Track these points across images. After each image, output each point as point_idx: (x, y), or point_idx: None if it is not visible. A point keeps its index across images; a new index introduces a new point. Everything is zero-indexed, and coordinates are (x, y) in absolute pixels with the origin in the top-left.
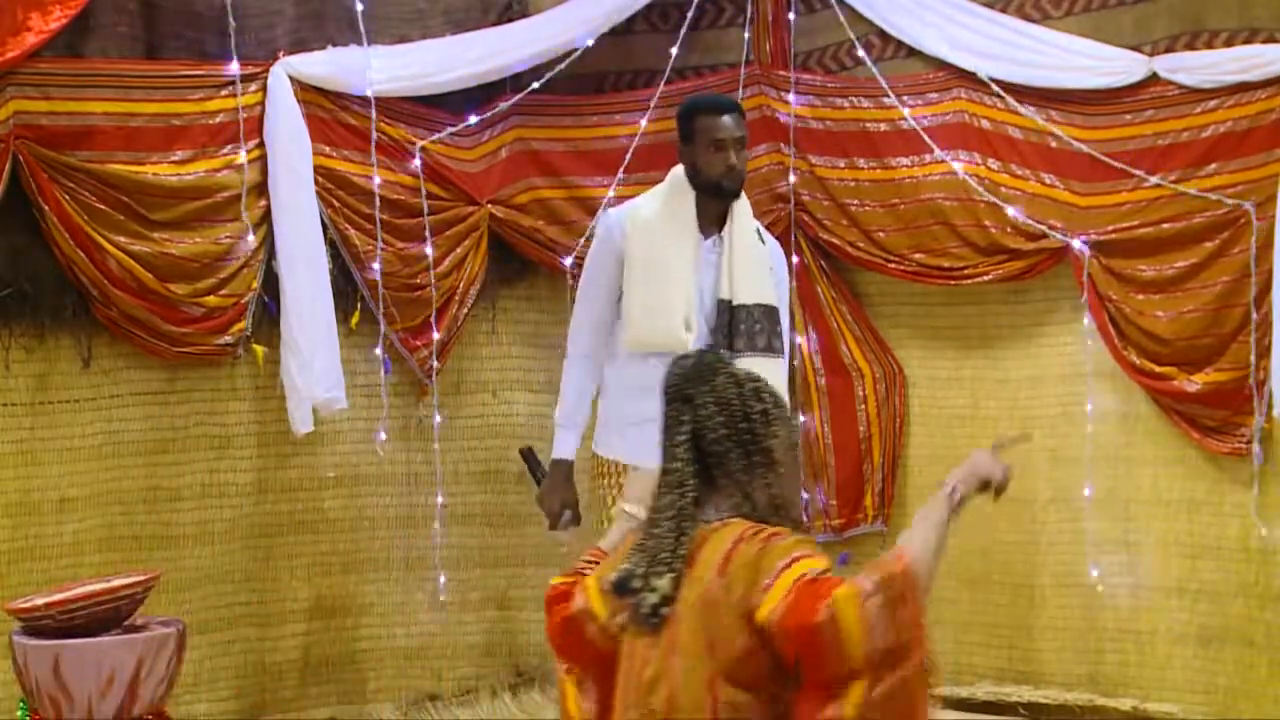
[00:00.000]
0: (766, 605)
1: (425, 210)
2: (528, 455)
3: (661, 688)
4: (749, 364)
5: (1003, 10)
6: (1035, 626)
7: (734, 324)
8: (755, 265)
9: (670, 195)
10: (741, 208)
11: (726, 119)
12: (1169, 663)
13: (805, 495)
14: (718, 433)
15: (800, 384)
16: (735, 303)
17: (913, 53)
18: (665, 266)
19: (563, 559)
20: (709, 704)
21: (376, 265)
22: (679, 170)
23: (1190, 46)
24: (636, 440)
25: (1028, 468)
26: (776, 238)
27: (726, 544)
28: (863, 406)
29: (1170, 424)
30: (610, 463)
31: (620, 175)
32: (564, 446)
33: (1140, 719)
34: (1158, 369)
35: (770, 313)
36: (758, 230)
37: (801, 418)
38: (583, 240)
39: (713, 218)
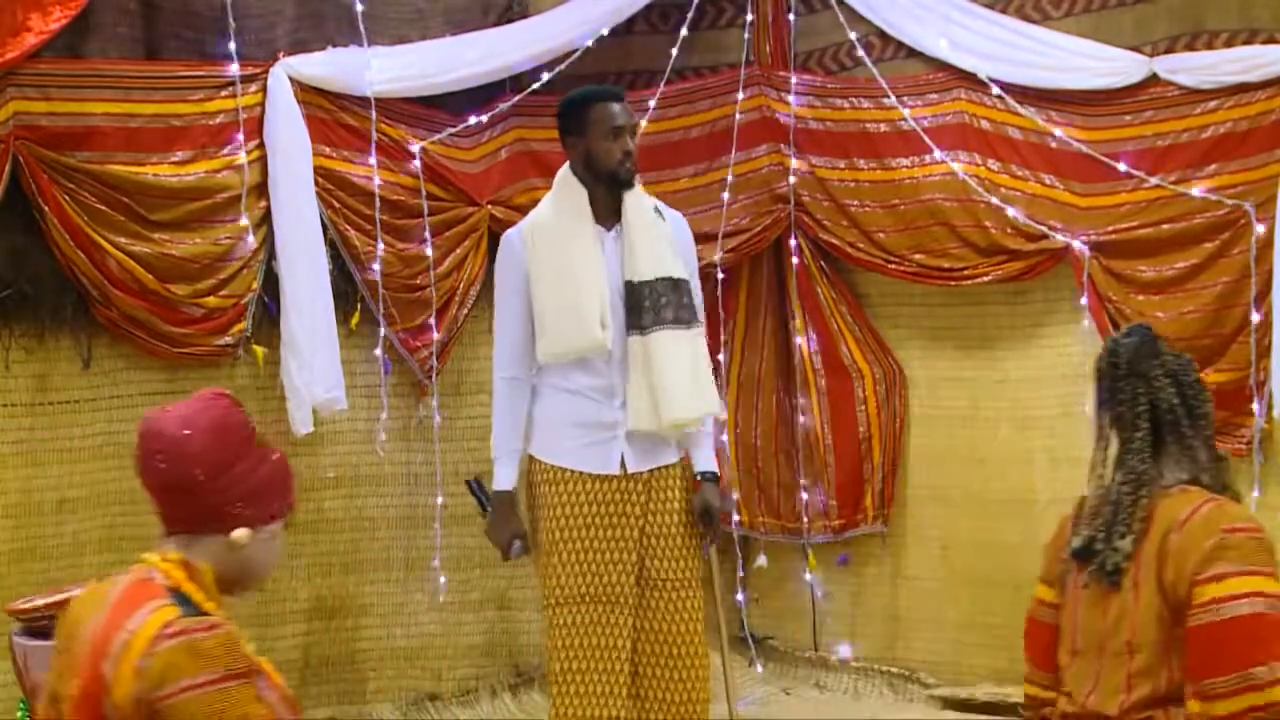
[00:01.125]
0: (1207, 592)
1: (425, 210)
2: (475, 486)
3: (1124, 628)
4: (662, 337)
5: (1003, 11)
6: None
7: (638, 302)
8: (655, 241)
9: (563, 197)
10: (635, 191)
11: (619, 107)
12: None
13: (805, 495)
14: (1171, 402)
15: (800, 384)
16: (636, 280)
17: (913, 53)
18: (572, 270)
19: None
20: (1162, 639)
21: (376, 265)
22: (564, 172)
23: (1190, 47)
24: (584, 447)
25: (1028, 468)
26: (776, 238)
27: (1185, 510)
28: (863, 407)
29: None
30: (554, 469)
31: None
32: (504, 479)
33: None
34: None
35: (676, 285)
36: (655, 208)
37: (802, 418)
38: None
39: (609, 208)
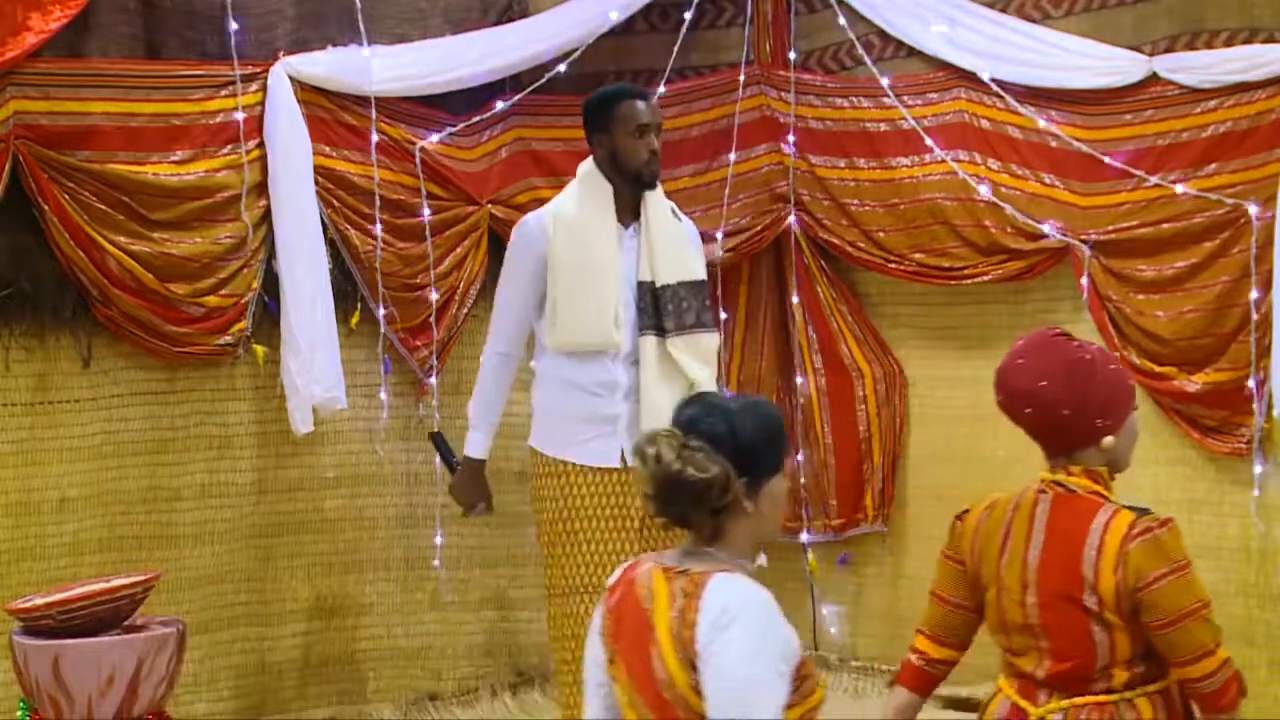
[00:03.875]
0: None
1: (425, 210)
2: (438, 440)
3: None
4: (683, 341)
5: (1003, 10)
6: None
7: (660, 306)
8: (675, 244)
9: (587, 191)
10: (655, 191)
11: (644, 105)
12: None
13: (805, 495)
14: None
15: (800, 384)
16: (658, 284)
17: (913, 53)
18: (591, 264)
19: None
20: None
21: (376, 265)
22: (587, 166)
23: (1190, 46)
24: (585, 441)
25: (1028, 468)
26: (776, 238)
27: None
28: (863, 406)
29: (1170, 424)
30: (555, 462)
31: None
32: (477, 446)
33: None
34: (1157, 369)
35: (696, 288)
36: (672, 209)
37: (802, 418)
38: None
39: (630, 206)
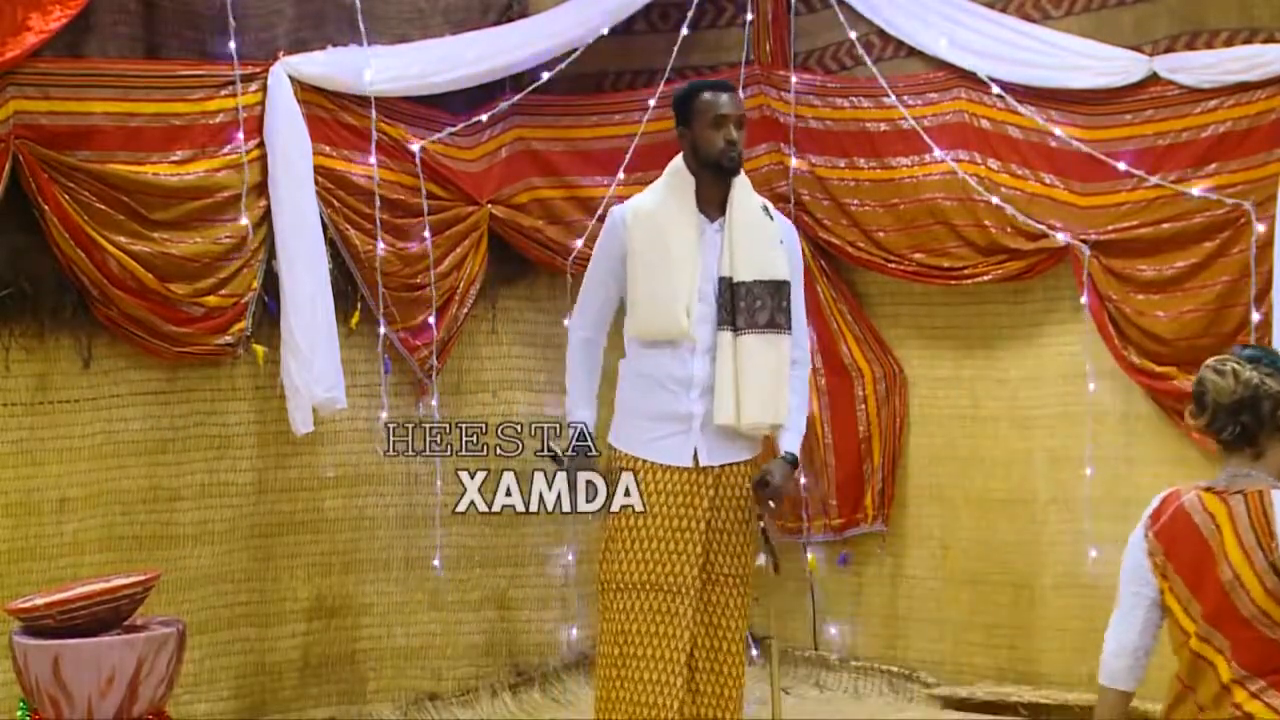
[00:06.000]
0: None
1: (425, 210)
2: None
3: None
4: (752, 341)
5: (1003, 10)
6: (1035, 626)
7: (734, 302)
8: (758, 241)
9: (671, 184)
10: (742, 186)
11: (725, 97)
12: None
13: (805, 495)
14: None
15: None
16: (735, 280)
17: (913, 53)
18: (668, 255)
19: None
20: None
21: (376, 265)
22: (677, 161)
23: (1190, 46)
24: (660, 439)
25: (1028, 468)
26: None
27: None
28: (863, 406)
29: (1170, 424)
30: (627, 457)
31: (620, 175)
32: (587, 418)
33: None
34: (1158, 369)
35: (776, 288)
36: (764, 207)
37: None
38: (582, 240)
39: (715, 199)
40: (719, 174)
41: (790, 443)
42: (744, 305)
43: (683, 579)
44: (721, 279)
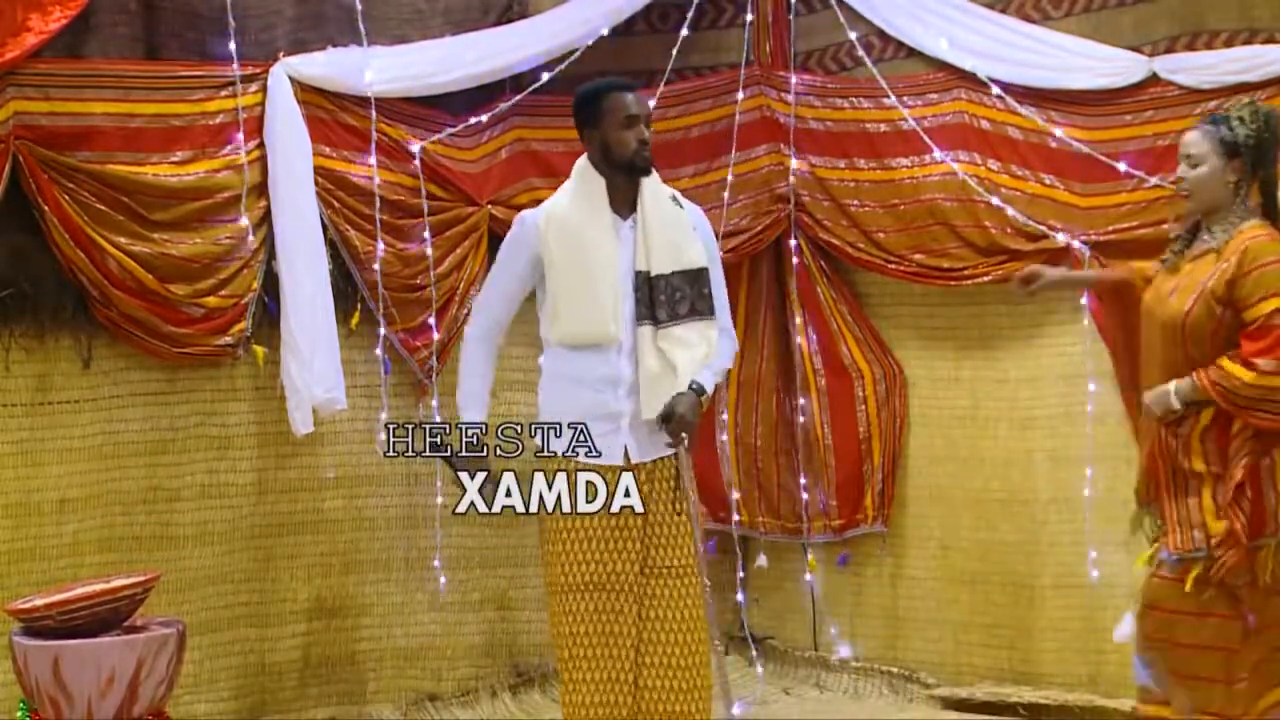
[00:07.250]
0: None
1: (425, 210)
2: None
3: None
4: (678, 332)
5: (1003, 11)
6: (1035, 626)
7: (653, 295)
8: (672, 233)
9: (581, 188)
10: (651, 181)
11: (632, 96)
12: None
13: (805, 495)
14: None
15: (800, 384)
16: (653, 273)
17: (913, 53)
18: (587, 259)
19: None
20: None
21: (376, 265)
22: (582, 162)
23: (1190, 47)
24: (595, 440)
25: (1028, 468)
26: (776, 238)
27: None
28: (863, 407)
29: None
30: (562, 460)
31: None
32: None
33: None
34: None
35: (695, 276)
36: (673, 197)
37: (802, 418)
38: None
39: (627, 198)
40: (631, 174)
41: (701, 377)
42: (664, 298)
43: (623, 577)
44: (638, 273)
